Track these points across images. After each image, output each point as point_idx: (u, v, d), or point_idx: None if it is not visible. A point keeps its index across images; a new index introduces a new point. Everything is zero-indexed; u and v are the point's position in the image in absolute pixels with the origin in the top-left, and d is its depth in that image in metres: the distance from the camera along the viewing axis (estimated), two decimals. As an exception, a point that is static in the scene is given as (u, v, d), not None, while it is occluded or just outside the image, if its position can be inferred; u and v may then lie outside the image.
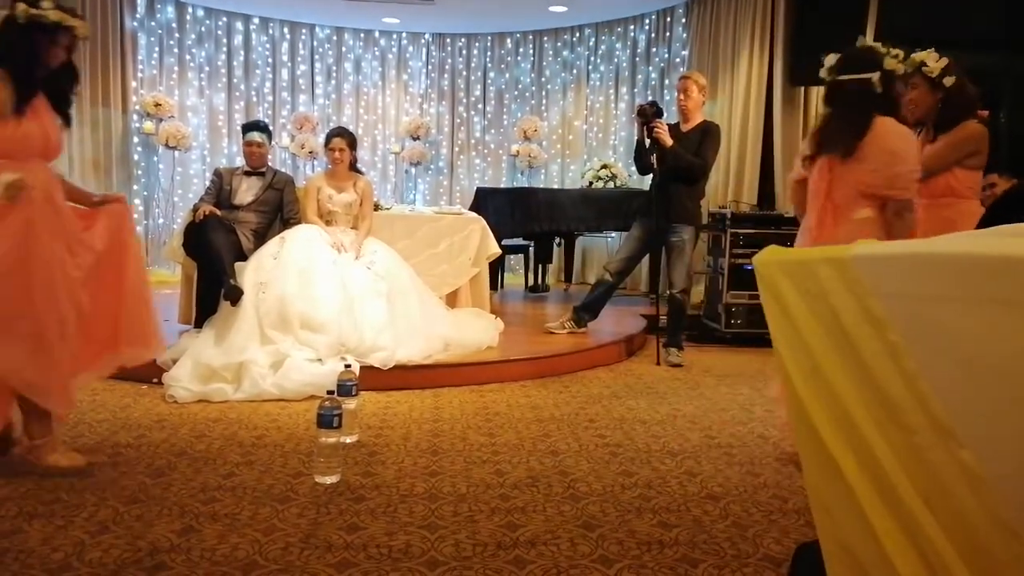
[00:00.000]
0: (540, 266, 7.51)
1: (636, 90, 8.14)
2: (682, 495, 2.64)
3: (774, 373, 3.02)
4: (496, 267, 6.61)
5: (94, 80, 7.06)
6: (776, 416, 3.65)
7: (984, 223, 2.73)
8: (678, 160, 4.68)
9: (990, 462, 0.94)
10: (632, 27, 8.16)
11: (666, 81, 7.78)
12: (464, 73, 9.16)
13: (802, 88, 6.38)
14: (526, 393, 4.03)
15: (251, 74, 8.57)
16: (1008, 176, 3.81)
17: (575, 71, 8.67)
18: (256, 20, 8.54)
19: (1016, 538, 0.92)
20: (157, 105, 7.55)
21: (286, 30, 8.74)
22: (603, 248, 8.22)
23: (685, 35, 7.47)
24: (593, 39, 8.50)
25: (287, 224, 4.70)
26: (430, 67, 9.18)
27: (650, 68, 8.01)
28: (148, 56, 7.81)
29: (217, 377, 3.72)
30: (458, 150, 9.23)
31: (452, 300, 5.16)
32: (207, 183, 5.05)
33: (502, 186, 8.69)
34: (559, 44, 8.76)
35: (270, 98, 8.70)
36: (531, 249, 7.44)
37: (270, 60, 8.67)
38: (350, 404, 3.04)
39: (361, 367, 3.67)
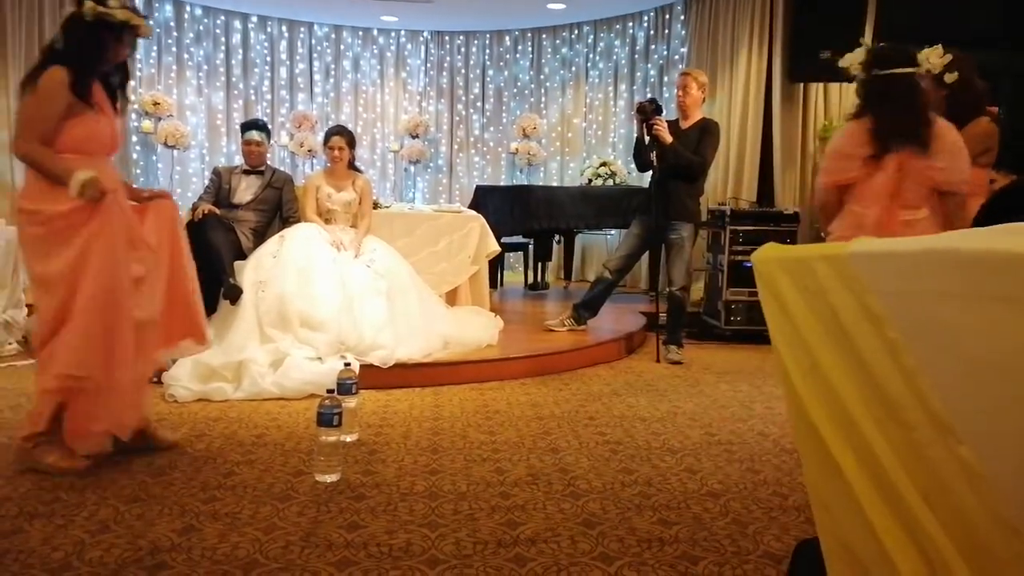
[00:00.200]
0: (539, 264, 7.51)
1: (635, 87, 8.13)
2: (682, 492, 2.64)
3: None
4: (495, 265, 6.61)
5: (92, 79, 7.04)
6: (777, 413, 3.66)
7: (980, 219, 2.72)
8: (678, 157, 4.68)
9: (990, 459, 0.94)
10: (631, 24, 8.16)
11: (665, 78, 7.78)
12: (463, 71, 9.16)
13: (801, 85, 6.38)
14: (526, 391, 4.03)
15: (250, 72, 8.57)
16: (1006, 172, 3.81)
17: (574, 68, 8.67)
18: (254, 18, 8.54)
19: (1017, 535, 0.92)
20: (156, 104, 7.55)
21: (284, 28, 8.74)
22: (602, 246, 8.22)
23: (684, 32, 7.47)
24: (592, 36, 8.49)
25: (286, 223, 4.70)
26: (429, 65, 9.18)
27: (649, 65, 8.00)
28: (146, 55, 7.80)
29: (217, 376, 3.73)
30: (457, 148, 9.23)
31: (452, 298, 5.16)
32: (206, 182, 5.04)
33: (501, 184, 8.69)
34: (558, 41, 8.75)
35: (269, 96, 8.70)
36: (530, 247, 7.44)
37: (268, 58, 8.66)
38: (350, 402, 3.04)
39: (361, 365, 3.68)
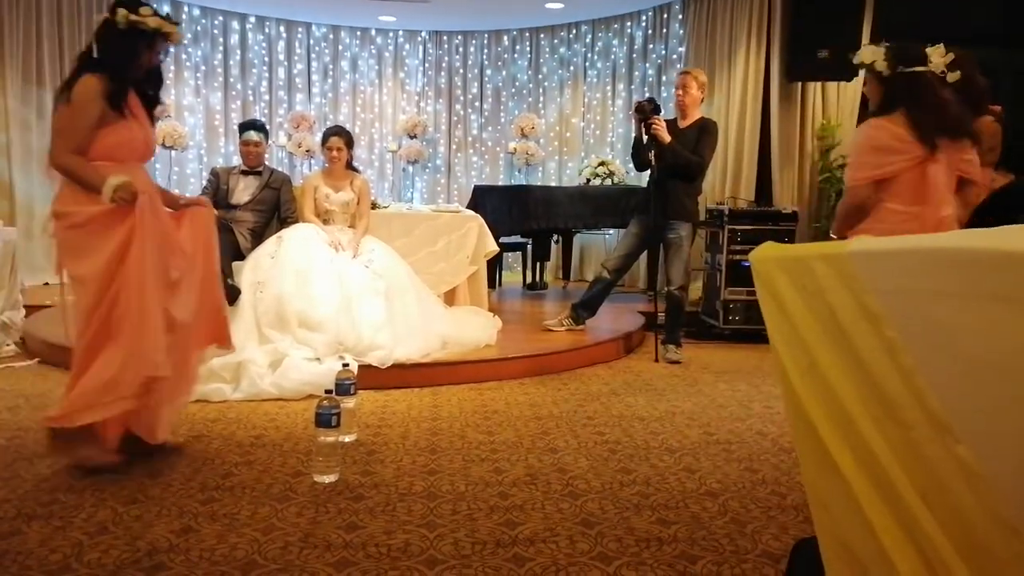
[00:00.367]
0: (538, 264, 7.51)
1: (633, 87, 8.13)
2: (681, 492, 2.64)
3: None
4: (494, 265, 6.61)
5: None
6: (776, 412, 3.66)
7: (978, 218, 2.72)
8: (676, 157, 4.68)
9: (987, 458, 0.94)
10: (629, 24, 8.15)
11: (663, 78, 7.78)
12: (461, 71, 9.15)
13: (799, 84, 6.38)
14: (524, 391, 4.03)
15: (247, 73, 8.56)
16: (1004, 171, 3.81)
17: (572, 68, 8.66)
18: (252, 19, 8.53)
19: (1015, 534, 0.92)
20: (153, 104, 7.53)
21: (282, 29, 8.73)
22: (601, 245, 8.21)
23: (682, 32, 7.46)
24: (590, 36, 8.49)
25: (284, 223, 4.70)
26: (427, 65, 9.17)
27: (647, 65, 8.00)
28: (144, 55, 7.79)
29: (215, 377, 3.72)
30: (455, 148, 9.22)
31: (450, 298, 5.16)
32: (204, 183, 5.04)
33: (500, 184, 8.68)
34: (556, 41, 8.75)
35: (267, 97, 8.69)
36: (529, 247, 7.44)
37: (266, 59, 8.65)
38: (348, 403, 3.04)
39: (359, 366, 3.67)
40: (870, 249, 1.15)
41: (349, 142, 4.63)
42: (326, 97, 8.96)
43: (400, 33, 9.09)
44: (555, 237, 7.65)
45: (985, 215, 2.80)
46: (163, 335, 2.58)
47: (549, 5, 7.91)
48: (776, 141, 6.39)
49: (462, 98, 9.17)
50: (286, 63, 8.77)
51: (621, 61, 8.25)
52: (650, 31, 7.95)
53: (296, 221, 4.59)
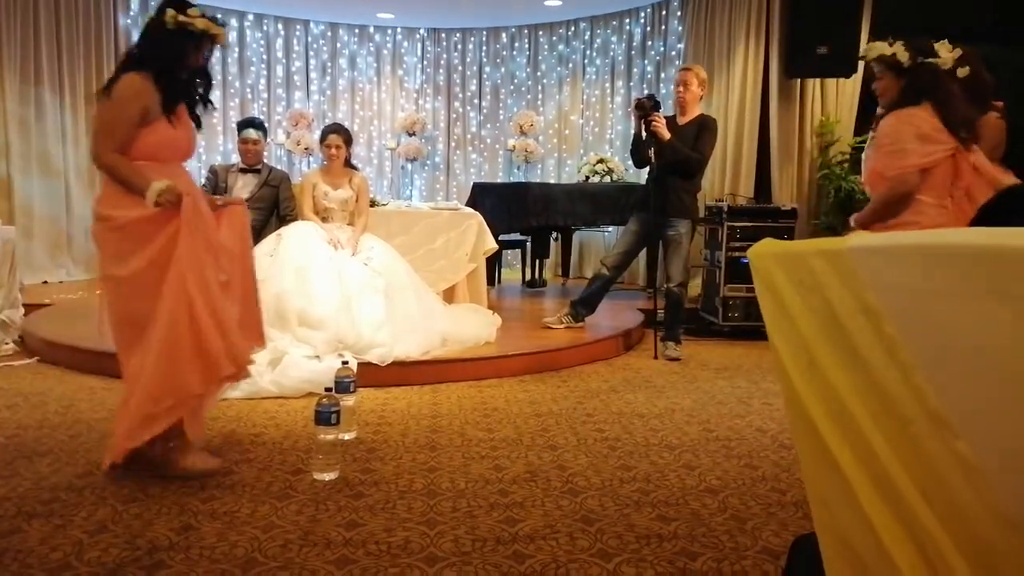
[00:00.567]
0: (537, 261, 7.51)
1: (632, 84, 8.13)
2: (680, 488, 2.65)
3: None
4: (493, 262, 6.61)
5: (88, 78, 7.03)
6: (775, 409, 3.66)
7: (980, 218, 2.71)
8: (676, 153, 4.68)
9: (987, 454, 0.94)
10: (627, 20, 8.15)
11: (662, 75, 7.77)
12: (459, 68, 9.14)
13: (798, 81, 6.38)
14: (524, 388, 4.03)
15: (246, 71, 8.55)
16: (1003, 168, 3.80)
17: (571, 65, 8.65)
18: (250, 16, 8.52)
19: (1014, 530, 0.92)
20: (152, 103, 7.53)
21: (280, 26, 8.72)
22: (600, 242, 8.22)
23: (680, 28, 7.46)
24: (588, 33, 8.48)
25: (283, 221, 4.70)
26: (425, 62, 9.16)
27: (646, 62, 7.99)
28: (142, 54, 7.78)
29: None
30: (454, 145, 9.22)
31: (449, 296, 5.16)
32: (202, 180, 5.04)
33: (499, 181, 8.68)
34: (554, 38, 8.74)
35: (265, 95, 8.68)
36: (528, 244, 7.44)
37: (264, 56, 8.64)
38: (348, 401, 3.04)
39: (359, 363, 3.67)
40: (869, 245, 1.15)
41: (348, 140, 4.62)
42: (324, 95, 8.95)
43: (398, 30, 9.08)
44: (554, 234, 7.65)
45: (990, 216, 2.78)
46: (218, 337, 2.55)
47: (548, 2, 7.90)
48: (775, 138, 6.39)
49: (461, 95, 9.16)
50: (284, 60, 8.76)
51: (620, 58, 8.24)
52: (649, 28, 7.95)
53: (295, 219, 4.59)
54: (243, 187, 4.73)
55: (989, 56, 2.99)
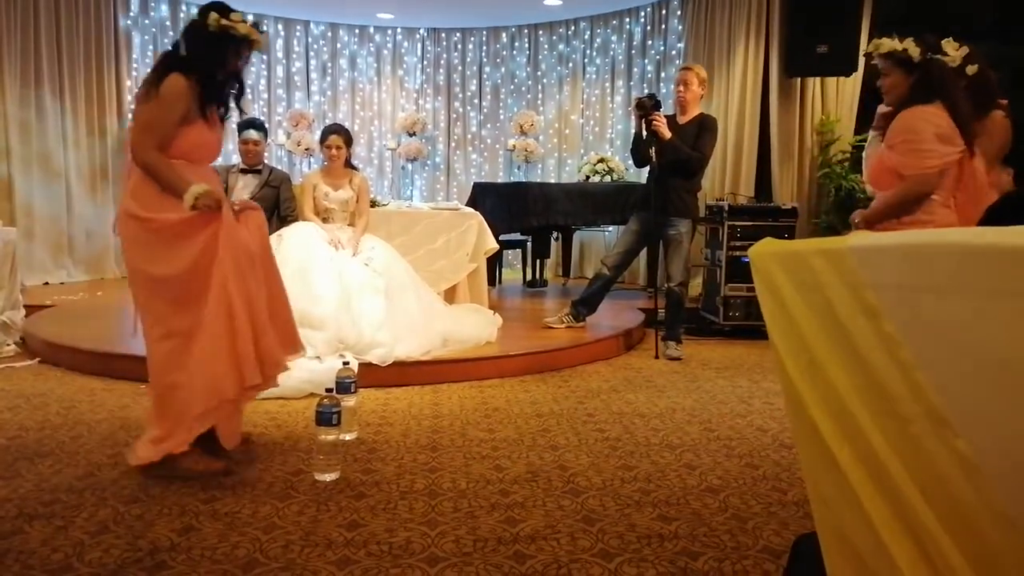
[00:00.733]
0: (538, 261, 7.51)
1: (632, 83, 8.12)
2: (681, 488, 2.64)
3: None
4: (494, 262, 6.61)
5: (88, 78, 7.04)
6: (776, 408, 3.66)
7: (986, 222, 2.70)
8: (677, 153, 4.68)
9: (986, 452, 0.94)
10: (627, 20, 8.15)
11: (662, 74, 7.77)
12: (459, 68, 9.14)
13: (798, 79, 6.38)
14: (525, 388, 4.03)
15: (246, 71, 8.54)
16: (1003, 167, 3.79)
17: (571, 65, 8.65)
18: (250, 17, 8.43)
19: (1013, 527, 0.92)
20: (152, 104, 7.53)
21: (280, 27, 8.72)
22: (601, 242, 8.21)
23: (680, 27, 7.46)
24: (588, 32, 8.48)
25: (284, 222, 4.70)
26: (425, 62, 9.16)
27: (646, 61, 7.99)
28: (142, 54, 7.78)
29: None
30: (454, 145, 9.22)
31: (450, 296, 5.16)
32: (203, 181, 5.03)
33: (499, 181, 8.68)
34: (554, 38, 8.74)
35: (265, 95, 8.68)
36: (529, 244, 7.44)
37: (264, 57, 8.64)
38: (349, 401, 3.04)
39: (360, 364, 3.67)
40: (869, 244, 1.15)
41: (348, 140, 4.62)
42: (325, 95, 8.95)
43: (398, 30, 9.08)
44: (555, 234, 7.65)
45: (997, 216, 2.76)
46: (250, 344, 2.57)
47: (548, 2, 7.90)
48: (775, 137, 6.39)
49: (461, 95, 9.16)
50: (284, 61, 8.76)
51: (620, 57, 8.24)
52: (649, 27, 7.94)
53: (296, 219, 4.59)
54: (243, 188, 4.73)
55: (989, 55, 2.98)
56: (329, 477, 2.64)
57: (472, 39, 9.08)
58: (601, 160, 7.89)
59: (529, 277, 7.55)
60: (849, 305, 1.13)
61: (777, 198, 6.27)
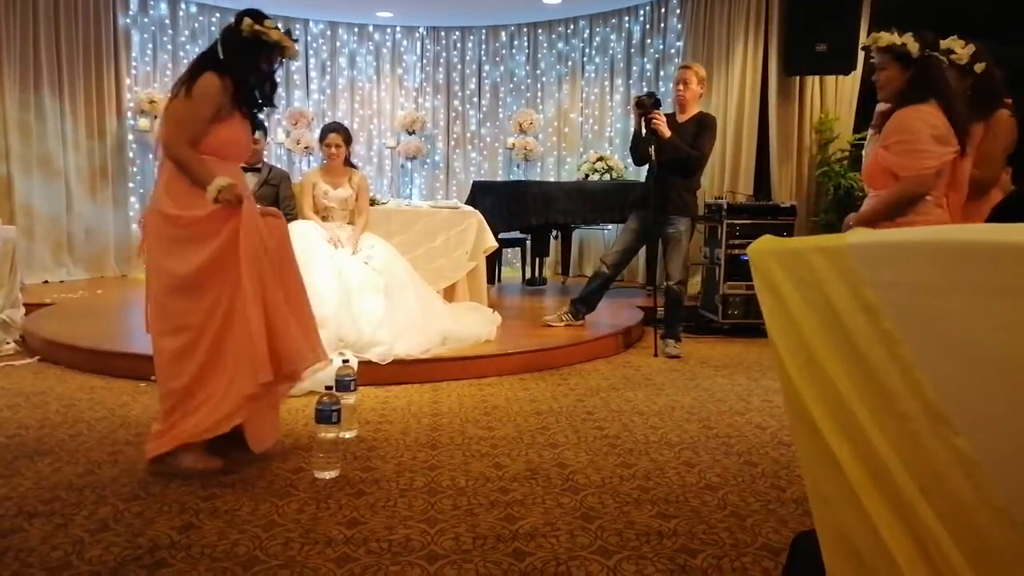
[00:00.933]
0: (537, 259, 7.51)
1: (631, 81, 8.12)
2: (680, 486, 2.65)
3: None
4: (493, 261, 6.61)
5: (88, 78, 7.04)
6: (775, 406, 3.67)
7: (992, 219, 2.69)
8: (676, 151, 4.68)
9: (985, 449, 0.95)
10: (627, 18, 8.14)
11: (661, 72, 7.77)
12: (459, 66, 9.14)
13: (797, 78, 6.39)
14: (524, 386, 4.03)
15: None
16: (1004, 166, 3.79)
17: (570, 63, 8.65)
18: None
19: (1012, 525, 0.92)
20: (151, 102, 7.53)
21: (279, 25, 8.65)
22: (600, 240, 8.22)
23: (680, 26, 7.45)
24: (588, 31, 8.48)
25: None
26: (425, 61, 9.15)
27: (645, 60, 7.99)
28: (142, 53, 7.78)
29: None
30: (454, 144, 9.21)
31: (449, 294, 5.17)
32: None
33: (498, 179, 8.68)
34: (554, 36, 8.74)
35: (265, 94, 8.66)
36: (528, 242, 7.44)
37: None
38: (349, 399, 3.05)
39: (359, 362, 3.67)
40: (868, 242, 1.15)
41: (347, 139, 4.63)
42: (324, 93, 8.94)
43: (398, 29, 9.07)
44: (554, 232, 7.65)
45: (1003, 215, 2.75)
46: (263, 342, 2.57)
47: (547, 0, 7.89)
48: (774, 135, 6.40)
49: (460, 94, 9.16)
50: (284, 59, 8.73)
51: (619, 56, 8.24)
52: (648, 26, 7.94)
53: (295, 218, 4.59)
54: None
55: (993, 53, 2.97)
56: (329, 475, 2.64)
57: (471, 37, 9.07)
58: (600, 158, 7.89)
59: (528, 275, 7.55)
60: (848, 302, 1.14)
61: (776, 196, 6.27)
